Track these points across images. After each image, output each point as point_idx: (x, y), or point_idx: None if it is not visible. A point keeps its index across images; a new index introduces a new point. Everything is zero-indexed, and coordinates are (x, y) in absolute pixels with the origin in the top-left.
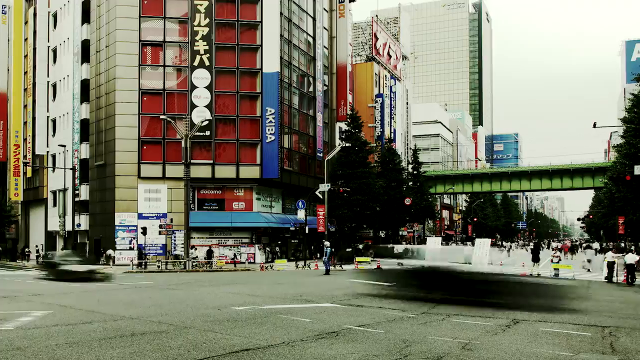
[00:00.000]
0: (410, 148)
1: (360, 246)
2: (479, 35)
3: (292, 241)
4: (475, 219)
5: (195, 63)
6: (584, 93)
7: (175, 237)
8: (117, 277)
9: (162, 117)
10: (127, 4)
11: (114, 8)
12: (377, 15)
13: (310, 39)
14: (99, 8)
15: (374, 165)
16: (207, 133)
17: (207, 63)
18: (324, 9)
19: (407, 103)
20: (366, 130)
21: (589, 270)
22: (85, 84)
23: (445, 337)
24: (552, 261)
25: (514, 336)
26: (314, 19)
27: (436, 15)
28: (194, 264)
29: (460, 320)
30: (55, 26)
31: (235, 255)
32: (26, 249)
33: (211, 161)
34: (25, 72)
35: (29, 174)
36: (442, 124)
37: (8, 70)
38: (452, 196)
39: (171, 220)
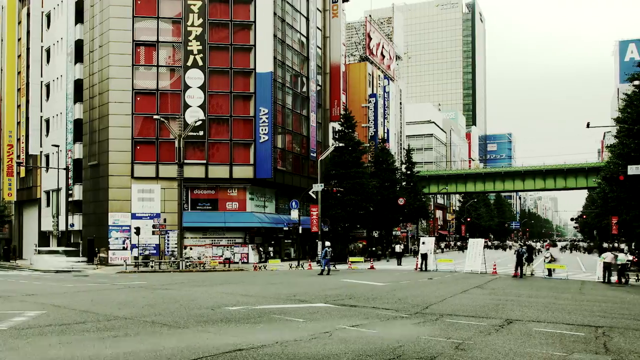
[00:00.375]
0: (404, 148)
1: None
2: (472, 36)
3: (286, 241)
4: (468, 219)
5: (189, 63)
6: (577, 93)
7: (168, 237)
8: (110, 277)
9: (155, 117)
10: (121, 4)
11: (107, 8)
12: (370, 15)
13: (304, 39)
14: (93, 8)
15: (367, 165)
16: (201, 133)
17: (200, 63)
18: (318, 9)
19: (400, 103)
20: (359, 130)
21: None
22: (78, 84)
23: (439, 337)
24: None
25: (507, 336)
26: (307, 19)
27: (430, 15)
28: (188, 264)
29: (454, 320)
30: (48, 26)
31: (223, 254)
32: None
33: (204, 161)
34: (19, 72)
35: (22, 174)
36: (435, 124)
37: (1, 70)
38: (445, 196)
39: (164, 220)
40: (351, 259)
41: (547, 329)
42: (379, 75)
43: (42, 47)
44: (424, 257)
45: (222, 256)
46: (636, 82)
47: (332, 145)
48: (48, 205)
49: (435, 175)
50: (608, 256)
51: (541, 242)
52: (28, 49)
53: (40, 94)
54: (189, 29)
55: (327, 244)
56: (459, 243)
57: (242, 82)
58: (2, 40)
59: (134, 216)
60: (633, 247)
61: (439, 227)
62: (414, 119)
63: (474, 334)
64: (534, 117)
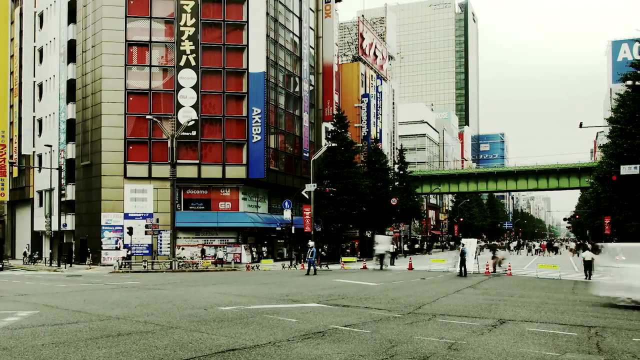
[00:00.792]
0: (397, 148)
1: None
2: (465, 36)
3: (279, 241)
4: (461, 219)
5: (182, 63)
6: (570, 93)
7: (161, 237)
8: (103, 277)
9: (148, 117)
10: (113, 4)
11: (100, 8)
12: (363, 15)
13: (297, 39)
14: (85, 8)
15: (360, 165)
16: (194, 133)
17: (193, 63)
18: (310, 9)
19: (393, 103)
20: (352, 130)
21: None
22: (71, 84)
23: (432, 337)
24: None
25: (500, 336)
26: (300, 19)
27: (422, 15)
28: (180, 264)
29: (447, 320)
30: (41, 26)
31: (216, 254)
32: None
33: (197, 161)
34: (12, 72)
35: (15, 174)
36: (428, 124)
37: None
38: (438, 196)
39: (157, 220)
40: (344, 258)
41: (540, 329)
42: (372, 75)
43: (34, 47)
44: (381, 257)
45: (214, 256)
46: (629, 82)
47: (325, 145)
48: (41, 205)
49: (428, 175)
50: (587, 255)
51: (535, 242)
52: (21, 49)
53: (33, 94)
54: (181, 29)
55: (311, 244)
56: (451, 243)
57: (235, 82)
58: None
59: (126, 216)
60: None
61: (432, 227)
62: (406, 119)
63: (466, 334)
64: (527, 117)
